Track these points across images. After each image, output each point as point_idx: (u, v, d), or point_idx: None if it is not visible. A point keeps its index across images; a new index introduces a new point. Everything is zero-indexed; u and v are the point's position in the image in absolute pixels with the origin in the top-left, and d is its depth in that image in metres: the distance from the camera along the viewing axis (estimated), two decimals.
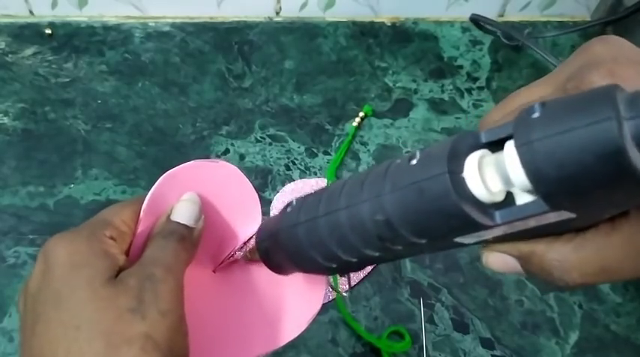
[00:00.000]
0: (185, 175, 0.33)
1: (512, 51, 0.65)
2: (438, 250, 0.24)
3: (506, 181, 0.20)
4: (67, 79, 0.64)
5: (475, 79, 0.68)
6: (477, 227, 0.20)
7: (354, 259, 0.25)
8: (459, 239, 0.22)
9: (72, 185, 0.58)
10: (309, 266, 0.27)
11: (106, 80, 0.65)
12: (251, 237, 0.34)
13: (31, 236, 0.54)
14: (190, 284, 0.32)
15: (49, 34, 0.67)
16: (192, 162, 0.33)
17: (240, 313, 0.35)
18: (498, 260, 0.24)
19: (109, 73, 0.65)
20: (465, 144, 0.21)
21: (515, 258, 0.23)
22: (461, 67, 0.69)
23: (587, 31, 0.73)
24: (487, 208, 0.20)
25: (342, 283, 0.52)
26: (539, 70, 0.69)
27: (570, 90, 0.22)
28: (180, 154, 0.60)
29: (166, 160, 0.60)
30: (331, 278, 0.52)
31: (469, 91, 0.67)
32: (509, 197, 0.21)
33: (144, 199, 0.32)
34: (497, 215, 0.20)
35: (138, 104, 0.63)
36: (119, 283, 0.28)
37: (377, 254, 0.24)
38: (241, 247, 0.34)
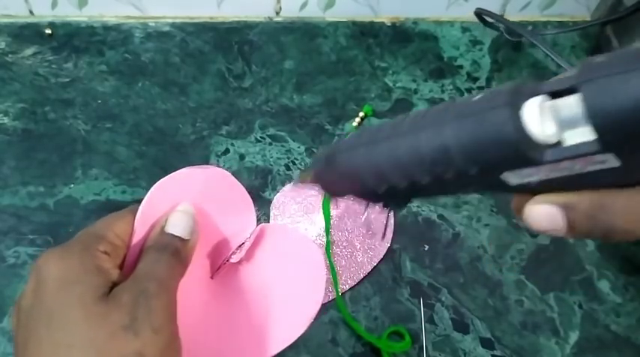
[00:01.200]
0: (176, 183, 0.32)
1: (513, 51, 0.65)
2: (483, 189, 0.26)
3: (562, 125, 0.21)
4: (67, 79, 0.64)
5: (475, 79, 0.68)
6: (526, 162, 0.22)
7: (404, 183, 0.26)
8: (505, 175, 0.23)
9: (72, 185, 0.58)
10: (358, 189, 0.28)
11: (106, 80, 0.65)
12: (246, 240, 0.34)
13: (31, 236, 0.54)
14: (188, 291, 0.32)
15: (49, 34, 0.67)
16: (182, 169, 0.33)
17: (238, 317, 0.35)
18: (543, 212, 0.23)
19: (109, 73, 0.65)
20: (527, 88, 0.22)
21: (563, 208, 0.23)
22: (461, 67, 0.69)
23: (587, 31, 0.73)
24: (538, 146, 0.22)
25: (343, 283, 0.52)
26: (540, 70, 0.69)
27: None
28: (180, 154, 0.60)
29: (166, 160, 0.60)
30: (331, 278, 0.52)
31: (469, 91, 0.67)
32: (559, 145, 0.22)
33: (137, 210, 0.32)
34: (548, 152, 0.21)
35: (138, 104, 0.63)
36: (112, 299, 0.27)
37: (427, 181, 0.25)
38: (237, 251, 0.34)
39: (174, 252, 0.30)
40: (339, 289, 0.51)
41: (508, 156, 0.22)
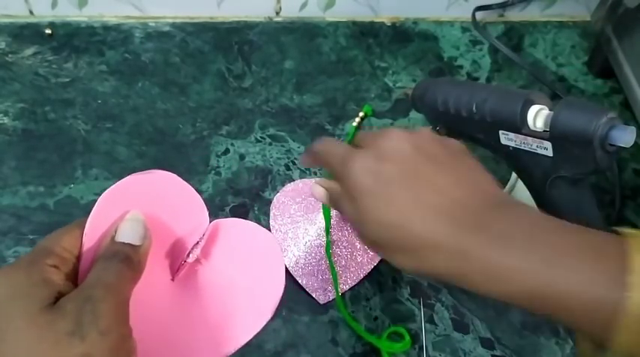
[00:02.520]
0: (123, 191, 0.33)
1: (512, 51, 0.65)
2: (486, 138, 0.44)
3: (544, 121, 0.41)
4: (67, 79, 0.64)
5: (475, 79, 0.68)
6: (516, 129, 0.42)
7: (454, 111, 0.46)
8: (501, 132, 0.43)
9: (72, 185, 0.58)
10: (434, 105, 0.48)
11: (106, 80, 0.65)
12: (200, 238, 0.34)
13: (31, 236, 0.54)
14: (149, 294, 0.33)
15: (49, 34, 0.67)
16: (127, 177, 0.33)
17: (201, 316, 0.35)
18: (319, 190, 0.39)
19: (109, 73, 0.65)
20: (539, 96, 0.42)
21: (327, 189, 0.39)
22: (461, 67, 0.69)
23: (587, 31, 0.73)
24: (525, 125, 0.42)
25: (343, 283, 0.52)
26: (539, 70, 0.69)
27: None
28: (180, 153, 0.60)
29: (166, 159, 0.60)
30: (332, 278, 0.52)
31: None
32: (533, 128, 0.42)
33: (85, 223, 0.32)
34: (526, 128, 0.42)
35: (138, 104, 0.63)
36: (57, 309, 0.28)
37: (466, 114, 0.45)
38: (192, 250, 0.34)
39: (124, 258, 0.31)
40: (338, 289, 0.51)
41: (510, 121, 0.42)
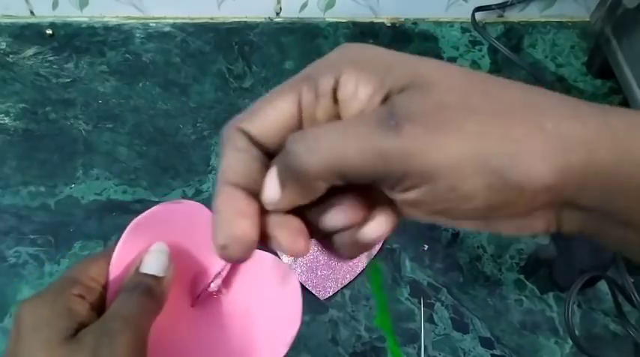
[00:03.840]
0: (151, 221, 0.33)
1: (512, 51, 0.65)
2: None
3: None
4: (68, 80, 0.65)
5: None
6: None
7: None
8: None
9: (73, 185, 0.58)
10: None
11: (106, 80, 0.65)
12: (223, 269, 0.35)
13: (32, 236, 0.55)
14: (169, 320, 0.33)
15: (50, 35, 0.68)
16: (156, 207, 0.33)
17: (219, 344, 0.35)
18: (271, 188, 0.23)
19: (110, 74, 0.65)
20: None
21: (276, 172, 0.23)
22: None
23: (586, 32, 0.73)
24: None
25: (341, 278, 0.52)
26: (539, 71, 0.69)
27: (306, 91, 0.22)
28: (180, 154, 0.60)
29: (167, 160, 0.60)
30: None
31: None
32: None
33: (112, 252, 0.32)
34: None
35: (139, 104, 0.64)
36: (76, 341, 0.28)
37: None
38: (213, 280, 0.35)
39: (147, 290, 0.31)
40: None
41: None
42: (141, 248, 0.33)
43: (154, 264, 0.32)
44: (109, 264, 0.32)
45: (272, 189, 0.22)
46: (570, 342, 0.52)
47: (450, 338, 0.52)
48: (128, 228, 0.32)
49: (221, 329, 0.36)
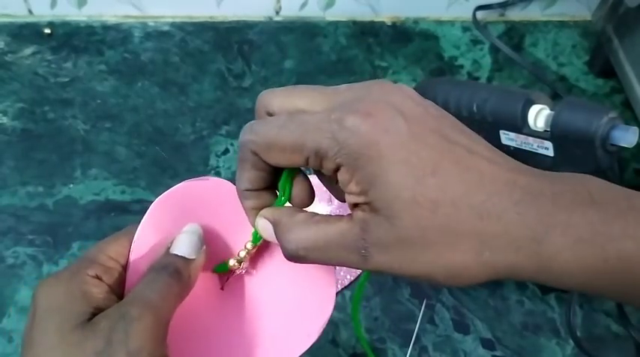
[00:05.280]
0: (176, 198, 0.32)
1: (513, 50, 0.65)
2: (492, 143, 0.42)
3: (545, 121, 0.42)
4: (67, 79, 0.64)
5: (476, 79, 0.68)
6: (516, 129, 0.43)
7: (465, 114, 0.46)
8: (504, 132, 0.44)
9: (71, 185, 0.57)
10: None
11: (105, 80, 0.65)
12: (253, 248, 0.34)
13: (30, 236, 0.54)
14: (198, 302, 0.32)
15: (49, 34, 0.67)
16: (181, 184, 0.32)
17: (248, 327, 0.34)
18: (261, 223, 0.30)
19: (109, 73, 0.65)
20: (539, 96, 0.44)
21: (271, 223, 0.29)
22: (461, 66, 0.69)
23: (587, 31, 0.73)
24: (526, 125, 0.43)
25: (342, 279, 0.52)
26: (540, 70, 0.69)
27: (334, 121, 0.26)
28: (179, 153, 0.60)
29: (166, 160, 0.60)
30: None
31: None
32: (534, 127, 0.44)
33: (134, 231, 0.31)
34: (527, 127, 0.43)
35: (137, 104, 0.63)
36: (91, 326, 0.27)
37: (466, 113, 0.46)
38: (243, 259, 0.34)
39: (174, 271, 0.30)
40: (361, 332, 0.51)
41: (511, 121, 0.43)
42: (165, 227, 0.31)
43: (185, 245, 0.31)
44: (130, 243, 0.31)
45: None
46: (572, 343, 0.51)
47: (451, 339, 0.51)
48: (152, 206, 0.31)
49: (250, 312, 0.34)
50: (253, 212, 0.30)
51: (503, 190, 0.26)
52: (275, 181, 0.30)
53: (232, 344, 0.33)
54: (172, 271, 0.30)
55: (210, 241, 0.33)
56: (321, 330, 0.33)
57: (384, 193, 0.25)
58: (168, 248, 0.31)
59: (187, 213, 0.32)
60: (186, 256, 0.31)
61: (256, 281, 0.35)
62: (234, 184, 0.31)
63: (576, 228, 0.25)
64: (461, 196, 0.25)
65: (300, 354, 0.33)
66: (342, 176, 0.26)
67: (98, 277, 0.29)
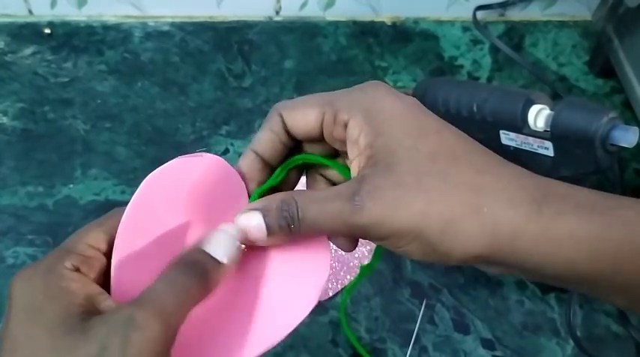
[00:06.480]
0: (169, 175, 0.30)
1: (513, 50, 0.65)
2: (487, 138, 0.44)
3: (545, 121, 0.42)
4: (67, 79, 0.64)
5: (476, 79, 0.68)
6: (516, 129, 0.43)
7: (465, 114, 0.46)
8: (504, 132, 0.44)
9: (71, 185, 0.57)
10: (434, 104, 0.48)
11: (105, 80, 0.65)
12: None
13: (30, 236, 0.54)
14: None
15: (49, 34, 0.67)
16: (174, 160, 0.30)
17: (243, 303, 0.34)
18: (250, 221, 0.29)
19: (109, 73, 0.65)
20: (540, 96, 0.43)
21: (261, 211, 0.29)
22: (461, 66, 0.69)
23: (588, 31, 0.73)
24: (526, 125, 0.43)
25: (342, 278, 0.52)
26: (540, 70, 0.69)
27: (347, 90, 0.30)
28: (179, 153, 0.60)
29: (166, 159, 0.59)
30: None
31: None
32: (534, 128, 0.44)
33: (118, 215, 0.28)
34: (527, 127, 0.43)
35: (137, 104, 0.63)
36: (86, 330, 0.24)
37: (466, 113, 0.45)
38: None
39: (202, 272, 0.26)
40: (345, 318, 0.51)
41: (511, 121, 0.42)
42: (158, 206, 0.29)
43: (222, 247, 0.27)
44: (114, 228, 0.28)
45: (260, 231, 0.29)
46: (572, 343, 0.51)
47: (451, 339, 0.51)
48: (144, 182, 0.28)
49: (248, 286, 0.34)
50: (249, 175, 0.32)
51: (502, 159, 0.27)
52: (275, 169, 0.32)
53: (232, 319, 0.33)
54: (201, 273, 0.26)
55: (203, 217, 0.32)
56: (319, 293, 0.33)
57: (387, 142, 0.27)
58: (199, 244, 0.28)
59: (181, 190, 0.30)
60: (219, 259, 0.27)
61: (252, 255, 0.35)
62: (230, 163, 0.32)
63: (574, 197, 0.26)
64: (462, 153, 0.27)
65: (300, 320, 0.32)
66: (350, 131, 0.28)
67: (77, 269, 0.26)
